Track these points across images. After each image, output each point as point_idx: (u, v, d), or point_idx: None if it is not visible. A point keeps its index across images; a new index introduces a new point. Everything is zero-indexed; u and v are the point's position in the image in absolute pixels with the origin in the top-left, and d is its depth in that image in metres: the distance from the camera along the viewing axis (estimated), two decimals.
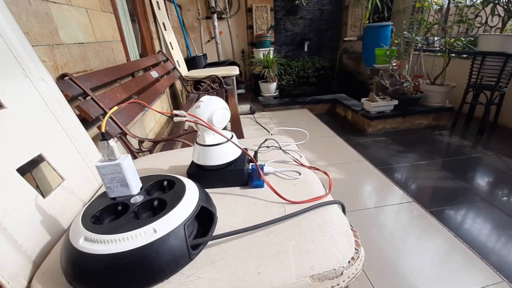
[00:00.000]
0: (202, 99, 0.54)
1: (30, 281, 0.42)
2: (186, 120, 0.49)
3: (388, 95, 2.72)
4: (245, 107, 3.31)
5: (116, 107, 0.45)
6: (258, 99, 3.76)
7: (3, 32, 0.52)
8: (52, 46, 0.88)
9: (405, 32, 2.71)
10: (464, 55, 2.98)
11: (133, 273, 0.34)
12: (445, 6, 3.16)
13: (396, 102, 2.62)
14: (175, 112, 0.48)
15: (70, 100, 0.85)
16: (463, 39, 2.66)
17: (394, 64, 2.69)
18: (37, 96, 0.57)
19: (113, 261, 0.34)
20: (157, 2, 2.48)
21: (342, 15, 4.27)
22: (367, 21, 3.79)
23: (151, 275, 0.35)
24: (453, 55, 2.91)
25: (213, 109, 0.53)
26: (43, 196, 0.51)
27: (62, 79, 0.87)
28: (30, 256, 0.44)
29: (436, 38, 3.26)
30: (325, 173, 0.63)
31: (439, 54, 3.06)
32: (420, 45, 2.76)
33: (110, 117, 0.97)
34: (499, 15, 2.37)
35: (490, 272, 1.06)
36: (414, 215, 1.40)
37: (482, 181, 1.72)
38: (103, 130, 0.40)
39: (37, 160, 0.75)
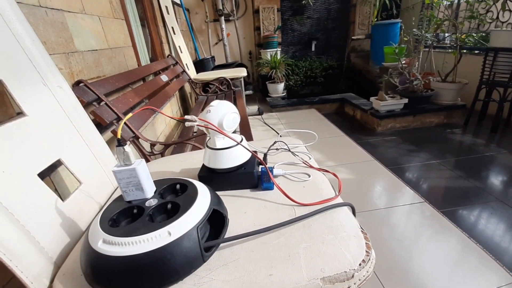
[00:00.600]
0: (212, 103, 0.55)
1: (51, 282, 0.44)
2: (197, 125, 0.50)
3: (397, 93, 2.68)
4: (253, 108, 3.33)
5: (130, 114, 0.46)
6: (266, 100, 3.77)
7: (23, 43, 0.55)
8: (67, 54, 0.91)
9: (414, 29, 2.66)
10: (476, 51, 2.91)
11: (149, 275, 0.36)
12: (455, 1, 3.10)
13: (406, 100, 2.58)
14: (186, 117, 0.50)
15: (85, 105, 0.88)
16: (475, 35, 2.60)
17: (403, 62, 2.65)
18: (55, 103, 0.60)
19: (130, 263, 0.35)
20: (166, 6, 2.52)
21: (350, 13, 4.24)
22: (375, 19, 3.74)
23: (166, 277, 0.37)
24: (465, 51, 2.84)
25: (223, 113, 0.54)
26: (62, 200, 0.53)
27: (77, 86, 0.90)
28: (52, 257, 0.46)
29: (446, 35, 3.19)
30: (334, 174, 0.64)
31: (450, 50, 3.00)
32: (430, 42, 2.71)
33: (124, 122, 0.99)
34: (510, 10, 2.31)
35: (503, 273, 1.04)
36: (426, 216, 1.38)
37: (496, 180, 1.68)
38: (118, 136, 0.41)
39: (55, 165, 0.78)
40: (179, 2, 3.46)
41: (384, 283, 1.04)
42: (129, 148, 0.43)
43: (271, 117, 3.23)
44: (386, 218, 1.39)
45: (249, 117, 2.84)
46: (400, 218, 1.38)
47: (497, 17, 2.55)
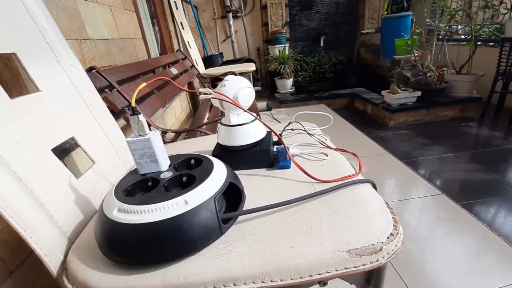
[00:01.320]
0: (227, 78, 0.53)
1: (65, 256, 0.43)
2: (211, 98, 0.49)
3: (410, 86, 2.62)
4: (262, 104, 3.30)
5: (144, 84, 0.45)
6: (274, 96, 3.74)
7: (37, 19, 0.54)
8: (80, 41, 0.91)
9: (427, 20, 2.59)
10: (491, 43, 2.81)
11: (166, 243, 0.34)
12: None
13: (419, 93, 2.51)
14: (200, 90, 0.48)
15: (98, 92, 0.87)
16: (489, 26, 2.51)
17: (415, 54, 2.58)
18: (69, 81, 0.59)
19: (146, 231, 0.34)
20: (175, 2, 2.53)
21: (359, 7, 4.17)
22: (386, 12, 3.67)
23: (184, 246, 0.35)
24: (479, 43, 2.75)
25: (238, 87, 0.52)
26: (76, 177, 0.52)
27: (90, 72, 0.90)
28: (66, 232, 0.45)
29: (460, 26, 3.09)
30: (354, 154, 0.61)
31: (464, 42, 2.91)
32: (443, 33, 2.64)
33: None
34: None
35: None
36: (444, 208, 1.34)
37: None
38: (133, 104, 0.40)
39: (68, 148, 0.78)
40: None
41: (403, 276, 1.00)
42: (143, 118, 0.42)
43: (280, 112, 3.21)
44: (403, 210, 1.35)
45: (259, 112, 2.81)
46: (417, 210, 1.34)
47: (511, 7, 2.45)
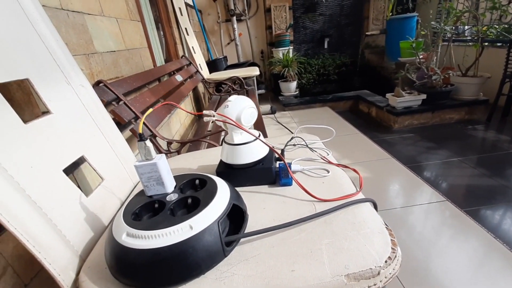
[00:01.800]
0: (230, 98, 0.55)
1: (77, 274, 0.45)
2: (215, 120, 0.50)
3: (415, 89, 2.60)
4: (266, 107, 3.32)
5: (150, 109, 0.47)
6: (278, 99, 3.75)
7: (48, 43, 0.57)
8: (88, 55, 0.94)
9: (432, 22, 2.57)
10: (499, 44, 2.77)
11: (172, 268, 0.36)
12: None
13: (424, 96, 2.50)
14: (204, 112, 0.50)
15: (105, 105, 0.90)
16: (497, 26, 2.48)
17: (421, 56, 2.57)
18: (78, 101, 0.61)
19: (154, 256, 0.36)
20: (180, 8, 2.56)
21: (363, 9, 4.15)
22: (390, 14, 3.65)
23: (189, 270, 0.37)
24: (486, 44, 2.72)
25: (241, 108, 0.53)
26: (86, 195, 0.55)
27: (97, 86, 0.93)
28: (77, 250, 0.47)
29: (466, 27, 3.06)
30: (355, 170, 0.62)
31: (470, 44, 2.88)
32: (449, 35, 2.61)
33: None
34: None
35: None
36: (448, 215, 1.33)
37: None
38: (140, 131, 0.42)
39: (77, 162, 0.81)
40: (191, 3, 3.50)
41: (405, 283, 1.01)
42: (150, 143, 0.43)
43: (284, 115, 3.21)
44: (406, 217, 1.35)
45: (262, 115, 2.83)
46: (421, 217, 1.34)
47: None
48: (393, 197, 1.52)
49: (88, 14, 1.00)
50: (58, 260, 0.43)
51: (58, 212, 0.46)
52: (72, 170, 0.76)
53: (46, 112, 0.54)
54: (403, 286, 1.00)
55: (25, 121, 0.47)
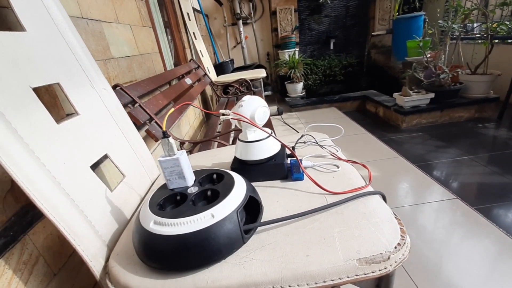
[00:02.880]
0: (244, 98, 0.58)
1: (106, 261, 0.49)
2: (231, 118, 0.54)
3: (423, 88, 2.59)
4: (273, 108, 3.35)
5: (172, 109, 0.50)
6: (285, 100, 3.78)
7: (74, 50, 0.61)
8: (105, 61, 0.99)
9: (440, 21, 2.56)
10: (510, 41, 2.74)
11: (196, 252, 0.39)
12: None
13: (432, 95, 2.49)
14: (221, 111, 0.53)
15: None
16: (508, 22, 2.45)
17: (428, 55, 2.56)
18: (101, 104, 0.65)
19: (179, 241, 0.39)
20: (188, 13, 2.62)
21: (369, 9, 4.15)
22: (397, 13, 3.64)
23: (211, 255, 0.40)
24: (496, 41, 2.69)
25: (254, 107, 0.57)
26: (110, 190, 0.58)
27: (114, 89, 0.97)
28: (105, 240, 0.51)
29: (475, 25, 3.03)
30: (364, 165, 0.64)
31: (479, 41, 2.85)
32: (457, 34, 2.60)
33: (156, 122, 1.05)
34: None
35: None
36: (459, 213, 1.33)
37: None
38: (164, 129, 0.45)
39: (97, 161, 0.85)
40: (199, 8, 3.57)
41: (416, 280, 1.02)
42: (172, 140, 0.47)
43: (291, 116, 3.24)
44: (417, 215, 1.35)
45: (270, 117, 2.85)
46: (431, 215, 1.34)
47: None
48: (403, 195, 1.53)
49: (105, 22, 1.05)
50: (90, 248, 0.46)
51: (88, 205, 0.50)
52: (93, 168, 0.80)
53: (72, 114, 0.58)
54: (415, 285, 1.01)
55: (56, 122, 0.52)
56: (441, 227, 1.25)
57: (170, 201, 0.48)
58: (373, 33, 4.16)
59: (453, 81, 2.55)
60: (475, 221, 1.26)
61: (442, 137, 2.22)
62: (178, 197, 0.48)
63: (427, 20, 3.29)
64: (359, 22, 4.23)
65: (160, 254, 0.40)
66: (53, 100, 0.72)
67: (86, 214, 0.49)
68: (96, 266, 0.46)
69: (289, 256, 0.41)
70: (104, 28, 1.02)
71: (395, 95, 2.65)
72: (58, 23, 0.58)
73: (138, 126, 1.01)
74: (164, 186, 0.51)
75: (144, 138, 1.12)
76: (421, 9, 3.67)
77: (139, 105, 1.01)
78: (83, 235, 0.46)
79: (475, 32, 3.14)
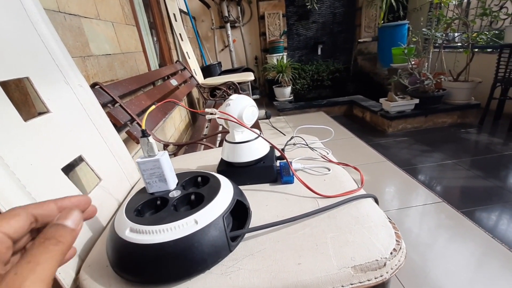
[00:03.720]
0: (231, 97, 0.55)
1: (77, 273, 0.44)
2: (218, 117, 0.50)
3: (408, 94, 2.65)
4: (261, 112, 3.33)
5: (153, 106, 0.47)
6: (273, 104, 3.78)
7: (48, 43, 0.56)
8: (84, 58, 0.93)
9: (423, 29, 2.64)
10: (489, 50, 2.86)
11: (177, 262, 0.35)
12: (465, 0, 3.07)
13: (416, 101, 2.55)
14: (207, 109, 0.50)
15: (101, 107, 0.89)
16: (487, 32, 2.56)
17: (413, 62, 2.63)
18: (76, 101, 0.61)
19: (158, 251, 0.35)
20: (174, 14, 2.58)
21: (356, 16, 4.25)
22: (382, 21, 3.74)
23: (194, 265, 0.36)
24: (477, 50, 2.80)
25: (242, 106, 0.54)
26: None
27: (93, 88, 0.92)
28: (76, 250, 0.46)
29: (457, 34, 3.15)
30: (355, 168, 0.62)
31: (461, 50, 2.96)
32: (440, 42, 2.68)
33: (137, 123, 1.00)
34: None
35: None
36: (445, 216, 1.34)
37: None
38: (143, 127, 0.42)
39: (73, 164, 0.79)
40: (186, 10, 3.53)
41: (405, 283, 1.01)
42: (152, 139, 0.43)
43: (279, 120, 3.23)
44: (404, 218, 1.36)
45: (258, 120, 2.83)
46: (418, 218, 1.35)
47: None
48: (390, 199, 1.53)
49: (85, 17, 1.00)
50: None
51: None
52: (67, 172, 0.75)
53: (44, 112, 0.53)
54: (403, 287, 1.00)
55: (24, 120, 0.47)
56: (428, 230, 1.26)
57: (149, 207, 0.44)
58: (359, 40, 4.25)
59: (436, 87, 2.62)
60: (461, 224, 1.28)
61: (427, 142, 2.26)
62: (159, 202, 0.44)
63: (411, 28, 3.40)
64: (346, 29, 4.31)
65: (137, 266, 0.36)
66: (23, 97, 0.66)
67: None
68: (65, 279, 0.41)
69: (279, 265, 0.38)
70: (84, 24, 0.97)
71: (381, 100, 2.69)
72: (30, 14, 0.53)
73: (119, 127, 0.95)
74: (143, 190, 0.46)
75: (125, 140, 1.07)
76: (405, 18, 3.79)
77: (120, 105, 0.96)
78: None
79: (456, 41, 3.26)
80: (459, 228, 1.25)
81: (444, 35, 2.67)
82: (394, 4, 3.50)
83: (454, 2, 2.79)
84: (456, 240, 1.19)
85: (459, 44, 3.17)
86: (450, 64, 2.85)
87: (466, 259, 1.09)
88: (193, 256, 0.36)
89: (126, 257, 0.36)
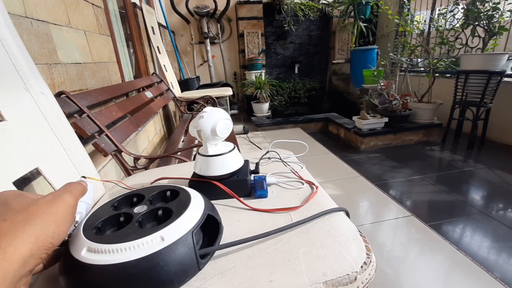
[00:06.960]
0: (205, 109, 0.54)
1: None
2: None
3: (378, 113, 2.80)
4: (239, 127, 3.34)
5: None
6: (251, 119, 3.81)
7: (8, 47, 0.53)
8: (50, 65, 0.89)
9: (391, 54, 2.85)
10: (448, 75, 3.13)
11: (140, 284, 0.32)
12: (426, 30, 3.38)
13: (386, 119, 2.69)
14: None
15: (67, 117, 0.84)
16: (446, 59, 2.81)
17: (382, 84, 2.80)
18: (37, 109, 0.56)
19: (119, 272, 0.32)
20: (152, 27, 2.56)
21: (330, 39, 4.49)
22: (354, 45, 3.99)
23: (159, 286, 0.33)
24: (437, 74, 3.05)
25: (216, 119, 0.53)
26: None
27: (58, 97, 0.87)
28: None
29: (420, 60, 3.44)
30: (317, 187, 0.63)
31: (424, 74, 3.22)
32: (405, 66, 2.90)
33: (106, 135, 0.95)
34: (479, 36, 2.53)
35: (496, 285, 1.04)
36: (415, 229, 1.39)
37: (477, 193, 1.74)
38: None
39: (29, 178, 0.73)
40: (164, 24, 3.54)
41: None
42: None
43: (257, 135, 3.25)
44: (376, 232, 1.39)
45: (235, 135, 2.83)
46: (389, 232, 1.38)
47: (466, 43, 2.78)
48: (363, 213, 1.57)
49: (54, 24, 0.96)
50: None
51: None
52: (22, 186, 0.68)
53: None
54: None
55: None
56: (400, 244, 1.29)
57: (111, 223, 0.40)
58: (333, 61, 4.48)
59: (403, 107, 2.80)
60: (429, 237, 1.33)
61: (396, 158, 2.38)
62: (122, 218, 0.41)
63: (379, 53, 3.65)
64: (321, 50, 4.54)
65: None
66: None
67: None
68: None
69: (250, 283, 0.36)
70: (52, 31, 0.93)
71: (354, 118, 2.82)
72: None
73: (85, 138, 0.90)
74: (106, 205, 0.43)
75: (92, 153, 1.01)
76: (374, 43, 4.08)
77: (87, 116, 0.91)
78: None
79: (420, 66, 3.55)
80: (428, 241, 1.30)
81: (408, 60, 2.90)
82: (364, 30, 3.77)
83: (416, 31, 3.05)
84: (425, 253, 1.23)
85: (422, 68, 3.46)
86: (414, 86, 3.07)
87: (435, 272, 1.12)
88: (158, 276, 0.33)
89: (81, 281, 0.33)
